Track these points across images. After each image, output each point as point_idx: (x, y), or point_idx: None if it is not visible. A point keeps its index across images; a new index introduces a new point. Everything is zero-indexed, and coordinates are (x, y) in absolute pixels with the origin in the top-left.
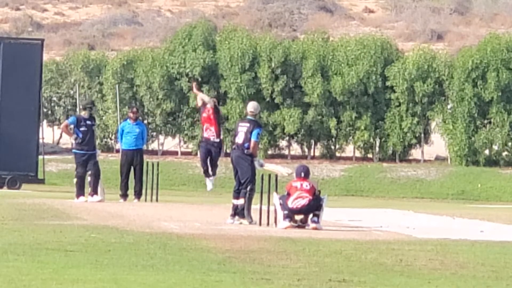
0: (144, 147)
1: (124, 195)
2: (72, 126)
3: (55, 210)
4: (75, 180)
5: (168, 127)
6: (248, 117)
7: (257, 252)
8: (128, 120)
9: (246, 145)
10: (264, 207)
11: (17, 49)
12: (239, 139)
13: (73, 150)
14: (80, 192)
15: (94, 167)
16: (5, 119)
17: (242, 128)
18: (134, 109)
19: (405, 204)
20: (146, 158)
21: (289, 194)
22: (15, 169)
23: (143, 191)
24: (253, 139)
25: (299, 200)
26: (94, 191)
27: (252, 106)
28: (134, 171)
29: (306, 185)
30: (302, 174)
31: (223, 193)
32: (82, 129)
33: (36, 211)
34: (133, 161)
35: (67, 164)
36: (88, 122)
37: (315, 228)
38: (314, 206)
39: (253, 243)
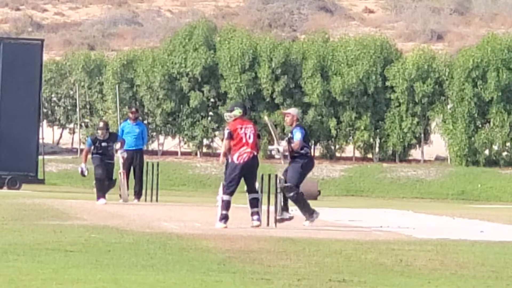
0: (145, 147)
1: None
2: (88, 148)
3: (55, 210)
4: (94, 182)
5: (168, 127)
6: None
7: (257, 252)
8: (128, 120)
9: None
10: (264, 207)
11: (17, 49)
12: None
13: (92, 155)
14: (100, 194)
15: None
16: (5, 119)
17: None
18: (134, 109)
19: (405, 204)
20: (146, 158)
21: (232, 137)
22: (15, 169)
23: (143, 191)
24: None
25: (243, 156)
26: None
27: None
28: (134, 171)
29: (250, 136)
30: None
31: None
32: (98, 151)
33: (36, 211)
34: (132, 161)
35: (67, 164)
36: (104, 144)
37: (259, 226)
38: (256, 162)
39: (253, 243)
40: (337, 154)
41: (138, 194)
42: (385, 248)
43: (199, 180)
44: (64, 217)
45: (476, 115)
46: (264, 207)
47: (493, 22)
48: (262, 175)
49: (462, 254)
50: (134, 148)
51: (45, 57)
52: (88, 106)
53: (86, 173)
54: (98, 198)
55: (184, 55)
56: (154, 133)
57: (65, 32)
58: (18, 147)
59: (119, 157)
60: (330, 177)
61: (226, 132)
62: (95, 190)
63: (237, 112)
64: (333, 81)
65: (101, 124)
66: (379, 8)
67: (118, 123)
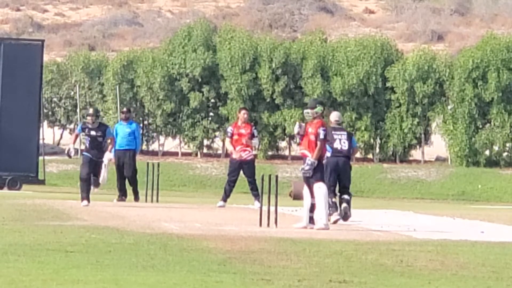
0: (140, 147)
1: (121, 196)
2: (78, 133)
3: (56, 210)
4: (78, 183)
5: (168, 127)
6: (338, 126)
7: (257, 252)
8: (121, 121)
9: (350, 151)
10: (265, 208)
11: (17, 50)
12: (344, 145)
13: (83, 153)
14: (84, 195)
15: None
16: (5, 120)
17: (340, 136)
18: (124, 109)
19: (405, 205)
20: (146, 159)
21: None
22: (15, 170)
23: (143, 191)
24: (354, 146)
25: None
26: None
27: (338, 115)
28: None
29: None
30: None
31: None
32: (86, 138)
33: (37, 211)
34: (123, 162)
35: (67, 165)
36: (93, 133)
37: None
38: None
39: (253, 243)
40: None
41: (133, 195)
42: (386, 248)
43: (200, 181)
44: (65, 217)
45: (476, 115)
46: (264, 208)
47: (493, 22)
48: (262, 175)
49: (462, 254)
50: (123, 148)
51: (46, 58)
52: (88, 107)
53: (72, 154)
54: (82, 199)
55: (183, 55)
56: (155, 134)
57: (65, 33)
58: (18, 148)
59: (106, 159)
60: None
61: (323, 132)
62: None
63: (319, 109)
64: (333, 81)
65: (91, 110)
66: (380, 9)
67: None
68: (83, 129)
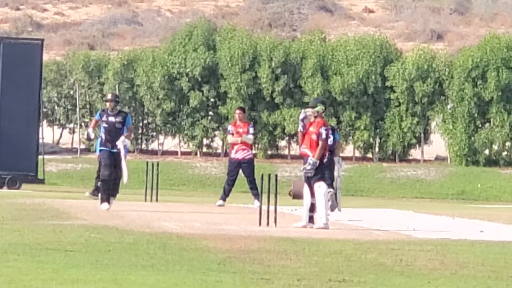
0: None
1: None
2: (97, 119)
3: (55, 210)
4: (98, 182)
5: (168, 127)
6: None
7: (257, 252)
8: None
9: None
10: (264, 207)
11: (17, 49)
12: (330, 140)
13: (99, 148)
14: (104, 197)
15: (116, 170)
16: (5, 119)
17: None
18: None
19: (405, 204)
20: (146, 158)
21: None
22: (15, 169)
23: (143, 190)
24: (337, 140)
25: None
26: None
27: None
28: None
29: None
30: None
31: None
32: (104, 125)
33: (36, 211)
34: None
35: (67, 164)
36: (111, 119)
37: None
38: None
39: (253, 243)
40: None
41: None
42: (385, 248)
43: (199, 180)
44: (64, 217)
45: (476, 114)
46: (263, 207)
47: (493, 22)
48: (262, 175)
49: (462, 254)
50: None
51: (45, 57)
52: (88, 106)
53: (92, 137)
54: (102, 201)
55: (184, 55)
56: (154, 133)
57: (65, 32)
58: (18, 147)
59: (120, 145)
60: None
61: (325, 132)
62: (97, 193)
63: (320, 108)
64: (333, 80)
65: (109, 95)
66: (379, 8)
67: None
68: (101, 115)
